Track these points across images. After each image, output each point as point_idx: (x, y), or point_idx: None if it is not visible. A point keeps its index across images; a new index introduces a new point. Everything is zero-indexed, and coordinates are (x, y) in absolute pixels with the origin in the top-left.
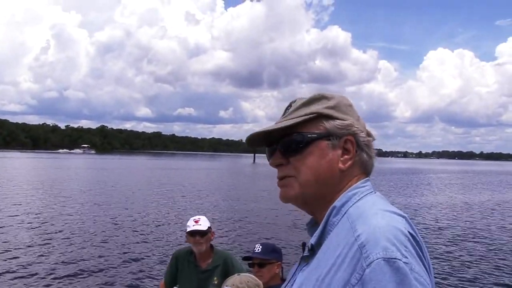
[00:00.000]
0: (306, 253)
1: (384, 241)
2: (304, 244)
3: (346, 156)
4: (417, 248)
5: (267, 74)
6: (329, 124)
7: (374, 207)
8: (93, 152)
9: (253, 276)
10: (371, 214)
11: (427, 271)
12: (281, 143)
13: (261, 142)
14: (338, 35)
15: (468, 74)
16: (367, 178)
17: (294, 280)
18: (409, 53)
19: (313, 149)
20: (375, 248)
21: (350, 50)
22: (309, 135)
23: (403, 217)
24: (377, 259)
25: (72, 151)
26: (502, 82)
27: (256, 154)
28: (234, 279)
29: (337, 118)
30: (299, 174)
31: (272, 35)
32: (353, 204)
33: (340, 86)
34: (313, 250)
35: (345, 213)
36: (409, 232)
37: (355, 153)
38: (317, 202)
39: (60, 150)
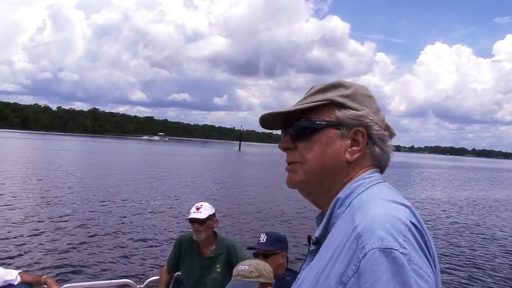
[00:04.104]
0: (312, 247)
1: (381, 230)
2: (309, 237)
3: (354, 148)
4: (420, 239)
5: (264, 62)
6: (340, 113)
7: (376, 197)
8: (167, 139)
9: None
10: (371, 204)
11: (430, 264)
12: (292, 127)
13: (274, 124)
14: (337, 25)
15: (465, 70)
16: (375, 169)
17: (301, 275)
18: (407, 47)
19: (320, 136)
20: (371, 238)
21: (348, 41)
22: (317, 122)
23: (407, 206)
24: (372, 249)
25: (152, 137)
26: (498, 80)
27: (241, 142)
28: (250, 260)
29: (350, 108)
30: (305, 160)
31: (270, 24)
32: (357, 196)
33: (336, 77)
34: (319, 243)
35: (349, 205)
36: (411, 222)
37: (366, 146)
38: (322, 193)
39: (144, 137)
